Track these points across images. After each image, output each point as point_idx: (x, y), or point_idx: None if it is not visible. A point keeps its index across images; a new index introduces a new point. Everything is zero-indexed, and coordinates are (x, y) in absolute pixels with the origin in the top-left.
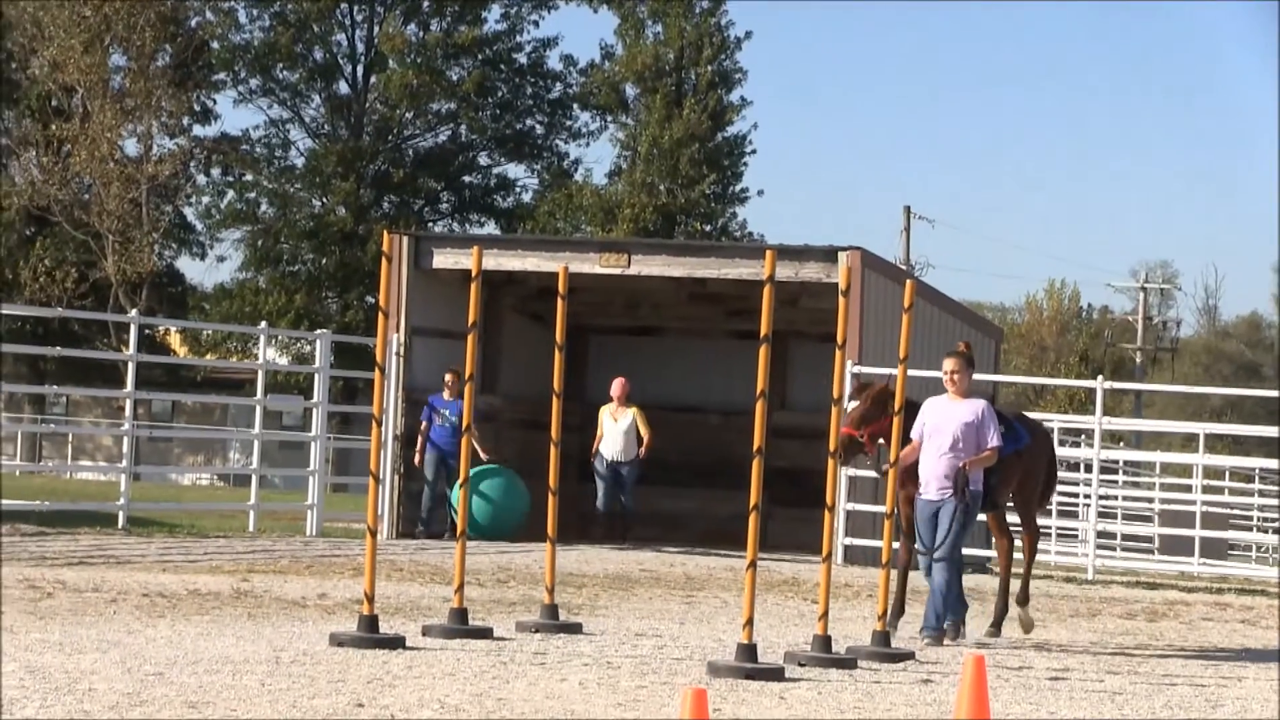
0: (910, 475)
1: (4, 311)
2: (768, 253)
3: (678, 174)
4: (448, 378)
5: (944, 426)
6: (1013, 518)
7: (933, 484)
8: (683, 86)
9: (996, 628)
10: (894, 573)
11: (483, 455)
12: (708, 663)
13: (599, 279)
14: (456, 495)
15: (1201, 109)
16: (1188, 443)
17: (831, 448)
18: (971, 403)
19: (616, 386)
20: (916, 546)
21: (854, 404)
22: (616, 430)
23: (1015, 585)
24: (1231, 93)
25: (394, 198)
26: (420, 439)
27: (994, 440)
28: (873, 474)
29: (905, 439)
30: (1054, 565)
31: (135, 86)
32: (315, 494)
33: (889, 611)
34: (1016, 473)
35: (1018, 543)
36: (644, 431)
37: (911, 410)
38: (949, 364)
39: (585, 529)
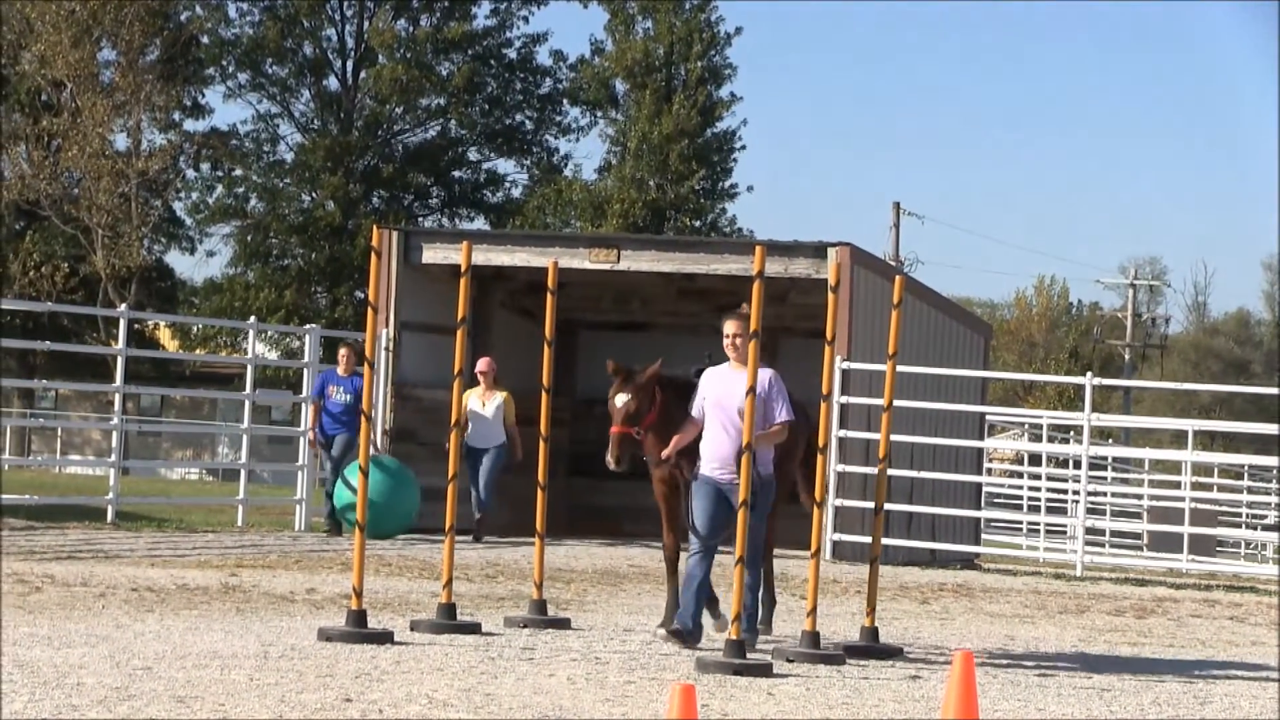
0: (686, 455)
1: None
2: (757, 248)
3: (667, 169)
4: (342, 351)
5: (727, 399)
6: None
7: (714, 464)
8: (672, 82)
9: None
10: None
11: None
12: (696, 658)
13: (588, 274)
14: (338, 493)
15: (1192, 106)
16: (1177, 439)
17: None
18: (757, 372)
19: (483, 364)
20: (692, 539)
21: (622, 398)
22: (485, 414)
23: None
24: (1222, 89)
25: (383, 193)
26: (312, 418)
27: (783, 414)
28: None
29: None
30: (1042, 561)
31: (124, 81)
32: (304, 489)
33: (667, 611)
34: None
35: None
36: (510, 419)
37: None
38: (730, 326)
39: (575, 523)
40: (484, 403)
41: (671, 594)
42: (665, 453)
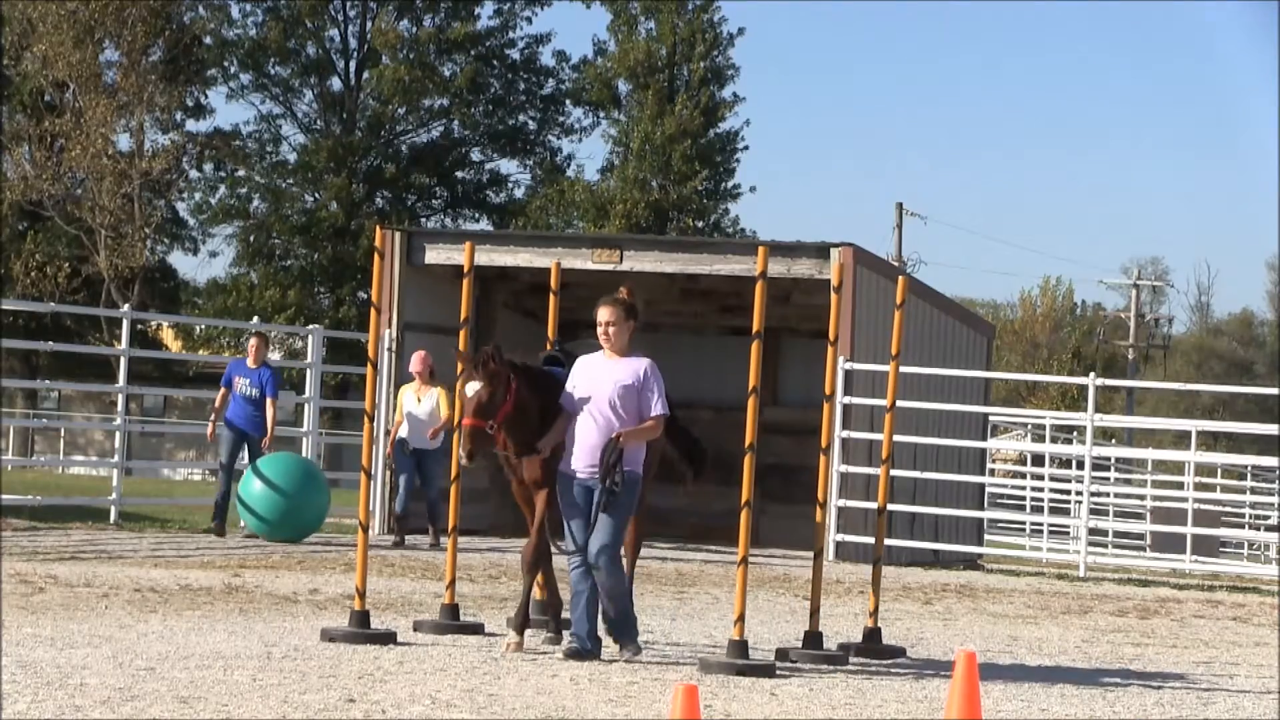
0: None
1: None
2: (760, 249)
3: (670, 170)
4: (251, 341)
5: (597, 390)
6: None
7: (582, 460)
8: (675, 83)
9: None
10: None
11: (266, 441)
12: (699, 659)
13: (591, 275)
14: (247, 489)
15: (1194, 106)
16: (1180, 440)
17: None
18: (631, 362)
19: (416, 361)
20: (567, 547)
21: (473, 386)
22: (420, 412)
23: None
24: (1226, 90)
25: (386, 193)
26: (218, 408)
27: (658, 408)
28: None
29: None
30: (1046, 562)
31: (127, 82)
32: None
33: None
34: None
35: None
36: (445, 412)
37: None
38: (604, 313)
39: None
40: (419, 399)
41: (525, 593)
42: (541, 444)
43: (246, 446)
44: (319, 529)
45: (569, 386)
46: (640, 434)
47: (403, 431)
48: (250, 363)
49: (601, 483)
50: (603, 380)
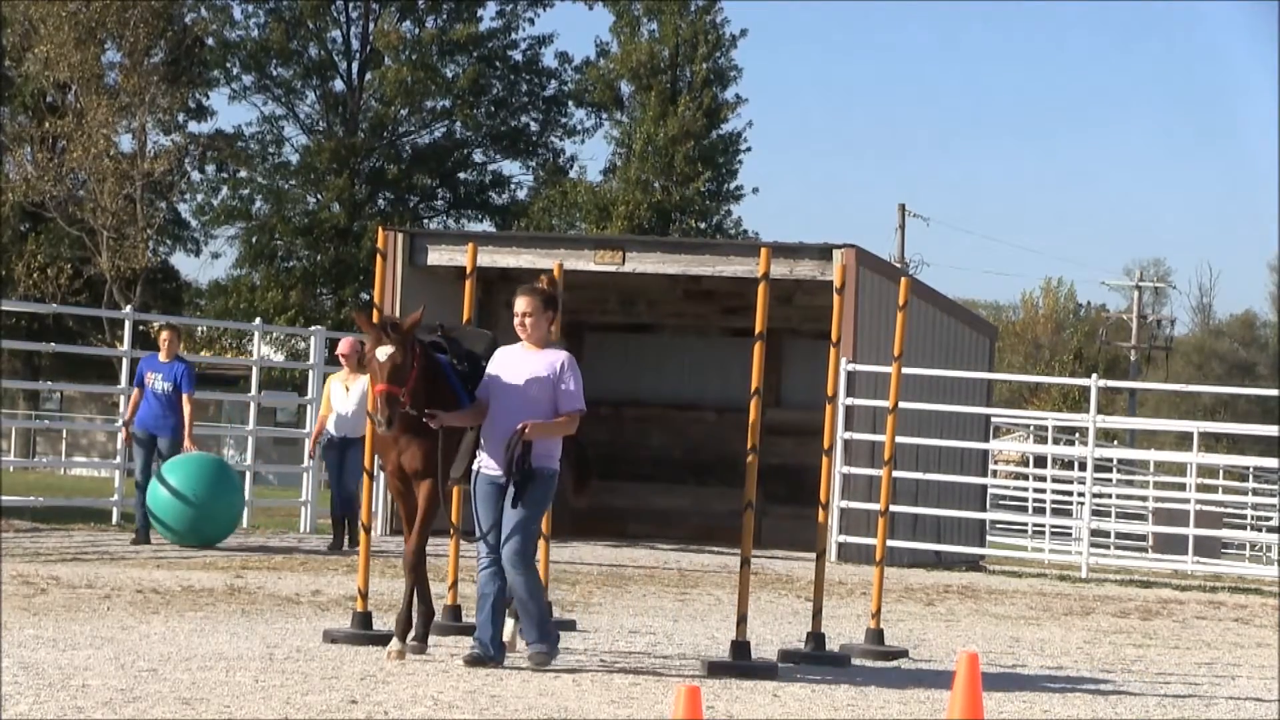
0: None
1: None
2: (763, 250)
3: (673, 171)
4: (163, 335)
5: (511, 383)
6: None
7: (493, 456)
8: (678, 84)
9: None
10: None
11: (187, 443)
12: (701, 660)
13: (594, 276)
14: (153, 494)
15: (1196, 106)
16: (1181, 441)
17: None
18: (548, 354)
19: (344, 345)
20: (479, 549)
21: (385, 351)
22: (349, 402)
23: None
24: (1227, 90)
25: (388, 194)
26: (130, 408)
27: (573, 403)
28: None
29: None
30: (1047, 563)
31: (128, 83)
32: (309, 490)
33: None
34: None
35: None
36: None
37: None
38: (521, 303)
39: (580, 525)
40: (347, 389)
41: (406, 604)
42: (437, 420)
43: (158, 449)
44: (232, 532)
45: (485, 379)
46: (551, 429)
47: (330, 427)
48: (162, 357)
49: (505, 475)
50: (517, 373)
